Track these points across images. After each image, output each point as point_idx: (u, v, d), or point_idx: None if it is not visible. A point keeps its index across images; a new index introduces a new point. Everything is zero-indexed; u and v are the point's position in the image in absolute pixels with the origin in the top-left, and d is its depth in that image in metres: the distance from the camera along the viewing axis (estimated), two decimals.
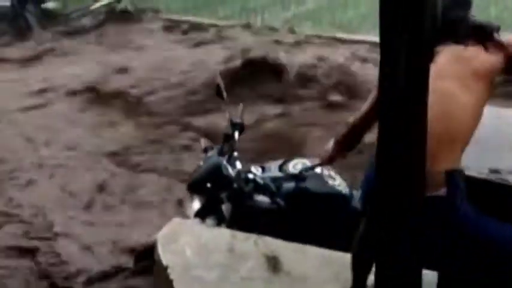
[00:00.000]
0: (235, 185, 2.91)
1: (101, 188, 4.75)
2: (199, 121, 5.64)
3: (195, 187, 3.02)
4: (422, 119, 1.74)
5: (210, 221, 2.93)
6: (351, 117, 2.54)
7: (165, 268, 2.66)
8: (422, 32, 1.64)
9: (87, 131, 5.76)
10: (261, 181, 2.92)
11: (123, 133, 5.69)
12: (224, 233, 2.84)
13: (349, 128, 2.53)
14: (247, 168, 3.04)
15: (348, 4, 8.74)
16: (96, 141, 5.54)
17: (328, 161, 2.68)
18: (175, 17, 8.96)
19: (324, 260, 2.66)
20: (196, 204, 3.01)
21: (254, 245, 2.74)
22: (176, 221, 2.98)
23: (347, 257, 2.58)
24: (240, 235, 2.80)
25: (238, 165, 3.02)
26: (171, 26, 8.58)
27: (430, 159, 1.96)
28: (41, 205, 4.51)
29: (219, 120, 5.06)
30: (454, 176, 2.14)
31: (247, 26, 7.85)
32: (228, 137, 3.08)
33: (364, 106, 2.46)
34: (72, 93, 6.59)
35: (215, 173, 2.95)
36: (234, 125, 3.09)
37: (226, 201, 2.93)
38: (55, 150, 5.45)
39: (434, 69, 2.04)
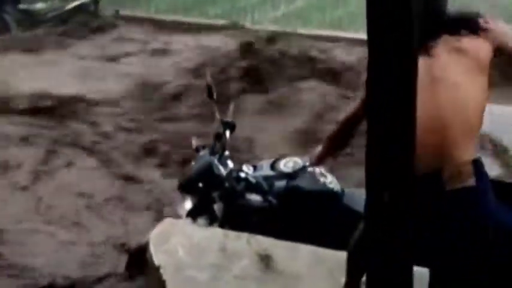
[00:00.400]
0: (226, 184, 2.90)
1: None
2: None
3: (186, 187, 3.03)
4: (411, 117, 1.73)
5: (201, 220, 2.93)
6: (340, 116, 2.54)
7: (157, 268, 2.65)
8: (411, 28, 1.63)
9: None
10: (253, 180, 2.92)
11: None
12: (216, 233, 2.83)
13: (338, 127, 2.53)
14: (239, 167, 3.03)
15: (338, 3, 8.75)
16: None
17: (318, 161, 2.68)
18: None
19: (316, 258, 2.65)
20: (188, 204, 3.01)
21: (246, 244, 2.73)
22: (168, 221, 2.97)
23: (340, 254, 2.58)
24: (232, 234, 2.79)
25: (230, 164, 3.02)
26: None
27: (453, 150, 1.95)
28: None
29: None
30: (481, 165, 2.12)
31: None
32: (219, 136, 3.08)
33: (353, 105, 2.47)
34: None
35: (207, 172, 2.96)
36: (225, 124, 3.08)
37: (218, 200, 2.93)
38: None
39: (436, 62, 2.04)
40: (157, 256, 2.72)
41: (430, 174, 2.14)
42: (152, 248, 2.76)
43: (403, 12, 1.62)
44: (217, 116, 3.11)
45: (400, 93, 1.69)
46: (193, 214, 2.98)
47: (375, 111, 1.73)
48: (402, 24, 1.62)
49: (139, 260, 3.08)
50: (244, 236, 2.77)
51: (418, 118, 1.71)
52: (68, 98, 6.24)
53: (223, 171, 2.96)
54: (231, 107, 3.17)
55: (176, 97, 6.24)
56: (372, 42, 1.67)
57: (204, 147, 3.16)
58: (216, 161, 3.00)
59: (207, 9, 8.94)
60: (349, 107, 2.50)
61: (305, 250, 2.70)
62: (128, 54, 7.58)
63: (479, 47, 2.23)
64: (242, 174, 2.95)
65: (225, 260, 2.69)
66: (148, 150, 5.43)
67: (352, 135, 2.54)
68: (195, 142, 3.22)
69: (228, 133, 3.09)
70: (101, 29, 8.52)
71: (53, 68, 7.19)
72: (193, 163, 3.12)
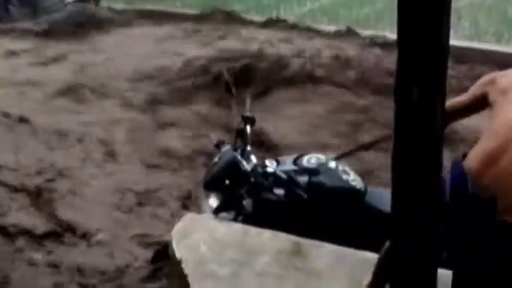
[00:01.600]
0: (252, 180, 2.90)
1: None
2: None
3: (212, 184, 3.01)
4: (437, 123, 1.71)
5: (225, 215, 2.93)
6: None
7: (179, 262, 2.67)
8: (441, 32, 1.61)
9: None
10: (282, 174, 2.91)
11: None
12: (238, 228, 2.83)
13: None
14: (262, 162, 3.03)
15: (363, 0, 8.70)
16: None
17: None
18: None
19: (338, 257, 2.64)
20: (213, 202, 3.00)
21: (268, 241, 2.73)
22: (190, 216, 2.98)
23: (361, 254, 2.57)
24: (254, 230, 2.79)
25: (253, 159, 3.01)
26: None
27: None
28: None
29: None
30: None
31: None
32: (240, 132, 3.07)
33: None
34: None
35: (232, 168, 2.95)
36: (246, 119, 3.08)
37: (246, 196, 2.93)
38: None
39: None
40: (180, 250, 2.73)
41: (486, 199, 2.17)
42: (175, 243, 2.78)
43: (434, 12, 1.60)
44: (236, 111, 3.11)
45: (429, 102, 1.68)
46: (220, 211, 2.98)
47: (403, 113, 1.72)
48: (433, 24, 1.61)
49: (164, 255, 3.10)
50: (266, 232, 2.78)
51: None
52: None
53: (247, 166, 2.96)
54: (248, 101, 3.17)
55: None
56: (402, 43, 1.66)
57: (224, 142, 3.15)
58: (239, 157, 2.99)
59: (232, 4, 8.95)
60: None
61: (327, 248, 2.69)
62: None
63: None
64: (269, 169, 2.95)
65: (246, 256, 2.69)
66: None
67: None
68: (214, 138, 3.21)
69: (248, 128, 3.09)
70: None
71: None
72: (216, 159, 3.11)
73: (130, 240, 4.10)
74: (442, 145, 1.72)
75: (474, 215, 2.20)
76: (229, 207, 2.97)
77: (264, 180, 2.92)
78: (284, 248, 2.69)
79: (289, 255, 2.66)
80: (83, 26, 8.59)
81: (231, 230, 2.84)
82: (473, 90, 2.49)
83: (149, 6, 9.23)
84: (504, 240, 2.16)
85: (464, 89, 2.58)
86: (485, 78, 2.49)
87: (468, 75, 5.84)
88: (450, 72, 5.98)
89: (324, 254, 2.68)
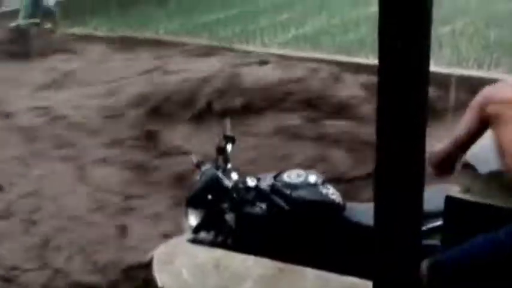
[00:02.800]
0: (235, 195, 2.95)
1: None
2: None
3: (195, 201, 3.05)
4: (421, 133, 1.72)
5: (205, 235, 2.95)
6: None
7: None
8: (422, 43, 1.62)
9: None
10: (264, 187, 2.98)
11: None
12: (221, 254, 2.81)
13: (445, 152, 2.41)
14: (243, 179, 3.08)
15: (348, 28, 8.78)
16: None
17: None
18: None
19: (321, 282, 2.63)
20: (192, 219, 3.02)
21: (251, 266, 2.71)
22: (172, 241, 2.96)
23: (344, 279, 2.56)
24: (237, 256, 2.77)
25: (235, 176, 3.09)
26: None
27: None
28: None
29: None
30: None
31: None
32: (221, 150, 3.14)
33: (462, 131, 2.38)
34: None
35: (215, 184, 3.01)
36: (227, 138, 3.16)
37: (228, 211, 2.96)
38: None
39: None
40: (161, 277, 2.70)
41: None
42: (156, 269, 2.75)
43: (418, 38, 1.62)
44: (219, 130, 3.18)
45: (411, 119, 1.69)
46: (201, 228, 2.99)
47: (385, 129, 1.73)
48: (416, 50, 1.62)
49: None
50: (249, 258, 2.76)
51: None
52: None
53: (229, 182, 3.01)
54: (227, 122, 3.26)
55: None
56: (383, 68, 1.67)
57: (203, 162, 3.21)
58: (221, 174, 3.05)
59: (218, 30, 9.00)
60: (457, 134, 2.36)
61: (310, 274, 2.68)
62: None
63: None
64: (251, 184, 3.01)
65: (229, 282, 2.67)
66: None
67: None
68: (194, 158, 3.25)
69: (229, 147, 3.16)
70: None
71: None
72: (197, 178, 3.16)
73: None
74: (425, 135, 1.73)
75: None
76: (212, 223, 2.98)
77: (246, 195, 2.97)
78: (267, 273, 2.67)
79: (272, 281, 2.64)
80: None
81: (213, 255, 2.81)
82: (470, 116, 2.34)
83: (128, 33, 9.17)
84: None
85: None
86: (478, 100, 2.37)
87: (452, 101, 5.91)
88: (433, 97, 6.01)
89: (307, 279, 2.66)
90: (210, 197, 2.99)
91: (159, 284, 2.66)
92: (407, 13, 1.58)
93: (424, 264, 2.15)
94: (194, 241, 2.97)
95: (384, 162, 1.74)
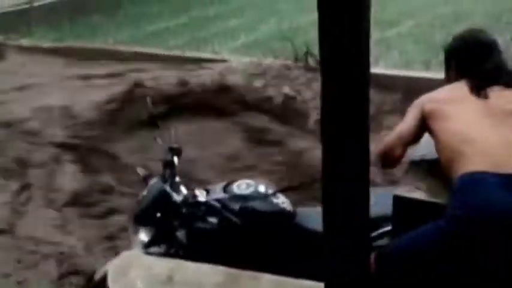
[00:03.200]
0: (184, 210, 2.89)
1: None
2: None
3: (143, 218, 2.97)
4: (365, 132, 1.75)
5: (156, 249, 2.90)
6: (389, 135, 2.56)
7: None
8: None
9: None
10: (214, 203, 2.92)
11: None
12: (175, 264, 2.79)
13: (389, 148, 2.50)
14: (192, 192, 3.03)
15: (298, 33, 8.86)
16: None
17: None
18: None
19: (277, 287, 2.64)
20: (142, 236, 2.96)
21: (206, 275, 2.70)
22: (126, 253, 2.93)
23: (300, 282, 2.57)
24: (191, 265, 2.76)
25: (183, 189, 3.02)
26: None
27: None
28: None
29: None
30: None
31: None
32: (168, 163, 3.06)
33: (404, 126, 2.52)
34: None
35: (163, 200, 2.93)
36: (172, 150, 3.08)
37: (179, 227, 2.91)
38: None
39: (494, 104, 2.34)
40: None
41: None
42: (110, 282, 2.71)
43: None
44: (161, 142, 3.10)
45: (354, 118, 1.72)
46: (151, 246, 2.94)
47: (329, 131, 1.76)
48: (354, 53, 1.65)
49: None
50: (205, 266, 2.75)
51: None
52: None
53: (178, 197, 2.95)
54: (172, 132, 3.17)
55: None
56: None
57: (151, 176, 3.12)
58: (169, 188, 2.96)
59: (168, 39, 8.97)
60: (400, 128, 2.53)
61: (267, 279, 2.68)
62: None
63: None
64: (201, 199, 2.94)
65: None
66: None
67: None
68: (141, 172, 3.17)
69: (176, 159, 3.08)
70: None
71: None
72: (144, 193, 3.07)
73: None
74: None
75: None
76: (162, 240, 2.94)
77: (196, 210, 2.92)
78: (222, 281, 2.67)
79: None
80: None
81: (168, 266, 2.79)
82: (412, 113, 2.55)
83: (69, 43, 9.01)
84: None
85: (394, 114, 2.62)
86: (419, 99, 2.60)
87: (398, 102, 6.03)
88: (380, 99, 6.13)
89: (263, 285, 2.67)
90: (158, 214, 2.91)
91: None
92: (346, 18, 1.61)
93: (372, 256, 2.20)
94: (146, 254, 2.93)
95: (330, 161, 1.77)
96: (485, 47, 2.57)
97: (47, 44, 8.93)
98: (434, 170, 2.46)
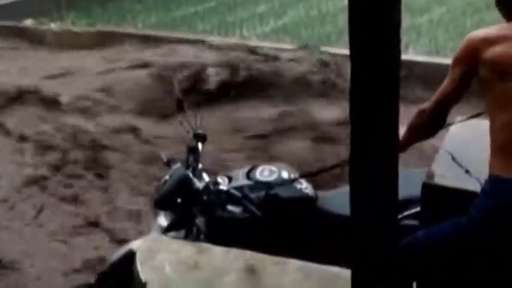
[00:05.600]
0: (205, 198, 2.89)
1: None
2: None
3: (163, 203, 2.97)
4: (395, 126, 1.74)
5: (175, 234, 2.91)
6: (423, 104, 2.47)
7: (144, 285, 2.63)
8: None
9: None
10: (235, 192, 2.92)
11: None
12: (203, 248, 2.81)
13: (428, 111, 2.40)
14: (214, 179, 3.02)
15: (326, 19, 8.80)
16: None
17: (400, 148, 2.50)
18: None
19: (304, 273, 2.64)
20: (162, 221, 2.97)
21: (234, 260, 2.72)
22: (153, 236, 2.96)
23: (327, 269, 2.58)
24: (219, 250, 2.78)
25: (205, 177, 3.00)
26: None
27: None
28: None
29: None
30: None
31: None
32: (192, 149, 3.04)
33: (443, 86, 2.39)
34: None
35: (185, 186, 2.91)
36: (197, 136, 3.06)
37: (198, 214, 2.91)
38: None
39: None
40: (144, 272, 2.70)
41: None
42: (139, 264, 2.74)
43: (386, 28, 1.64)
44: (188, 128, 3.08)
45: (383, 110, 1.71)
46: (170, 231, 2.95)
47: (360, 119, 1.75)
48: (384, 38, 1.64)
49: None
50: (232, 251, 2.77)
51: None
52: None
53: (200, 184, 2.93)
54: (199, 118, 3.12)
55: None
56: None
57: (175, 160, 3.10)
58: (191, 175, 2.96)
59: (196, 24, 8.98)
60: (439, 90, 2.38)
61: (293, 265, 2.69)
62: None
63: None
64: (222, 187, 2.94)
65: (212, 276, 2.68)
66: None
67: (444, 121, 2.39)
68: (164, 156, 3.16)
69: (200, 146, 3.06)
70: None
71: None
72: (166, 177, 3.06)
73: None
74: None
75: None
76: (181, 226, 2.95)
77: (217, 198, 2.90)
78: (250, 266, 2.68)
79: (255, 273, 2.65)
80: None
81: (196, 249, 2.82)
82: (454, 69, 2.39)
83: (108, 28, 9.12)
84: None
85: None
86: (471, 40, 2.40)
87: (428, 89, 5.97)
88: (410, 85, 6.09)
89: (290, 270, 2.68)
90: (179, 200, 2.89)
91: (143, 279, 2.66)
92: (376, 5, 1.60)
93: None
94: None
95: (358, 145, 1.77)
96: None
97: (77, 29, 9.03)
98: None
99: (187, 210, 2.92)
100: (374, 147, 1.74)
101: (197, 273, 2.69)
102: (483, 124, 2.48)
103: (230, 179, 3.04)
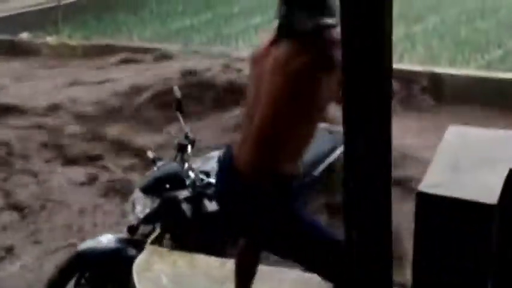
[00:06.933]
0: (192, 189, 2.98)
1: None
2: None
3: (151, 188, 3.03)
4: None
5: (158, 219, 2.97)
6: None
7: None
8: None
9: None
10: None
11: None
12: (199, 259, 2.82)
13: None
14: (200, 175, 3.10)
15: None
16: None
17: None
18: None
19: (300, 283, 2.65)
20: (140, 208, 3.00)
21: (230, 270, 2.72)
22: (151, 248, 2.96)
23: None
24: (215, 260, 2.79)
25: (191, 175, 3.07)
26: None
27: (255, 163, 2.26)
28: None
29: None
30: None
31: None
32: (182, 147, 3.17)
33: None
34: None
35: (174, 175, 3.04)
36: (188, 139, 3.19)
37: (184, 202, 2.97)
38: None
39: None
40: (141, 284, 2.70)
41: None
42: (135, 276, 2.75)
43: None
44: (185, 129, 3.21)
45: (376, 118, 1.72)
46: (153, 217, 2.98)
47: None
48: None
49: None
50: (228, 261, 2.77)
51: None
52: None
53: (187, 180, 3.02)
54: (188, 127, 3.26)
55: None
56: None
57: (159, 158, 3.22)
58: (179, 167, 3.08)
59: (192, 36, 9.02)
60: None
61: (290, 274, 2.70)
62: None
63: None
64: (211, 180, 3.01)
65: (208, 286, 2.68)
66: None
67: None
68: (151, 154, 3.26)
69: (189, 148, 3.17)
70: None
71: None
72: (154, 169, 3.16)
73: None
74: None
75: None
76: (167, 210, 2.97)
77: (204, 189, 2.99)
78: None
79: (254, 283, 2.65)
80: None
81: (192, 260, 2.82)
82: None
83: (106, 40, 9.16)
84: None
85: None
86: None
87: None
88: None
89: (286, 280, 2.68)
90: (168, 185, 2.99)
91: None
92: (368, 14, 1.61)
93: None
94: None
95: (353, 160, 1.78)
96: None
97: (73, 42, 9.07)
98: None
99: (172, 197, 2.98)
100: (367, 151, 1.76)
101: (194, 283, 2.69)
102: (478, 130, 2.49)
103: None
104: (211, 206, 2.96)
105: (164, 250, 2.94)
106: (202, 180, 3.03)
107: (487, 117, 5.42)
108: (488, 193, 2.23)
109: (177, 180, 3.00)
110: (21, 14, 10.13)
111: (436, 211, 2.34)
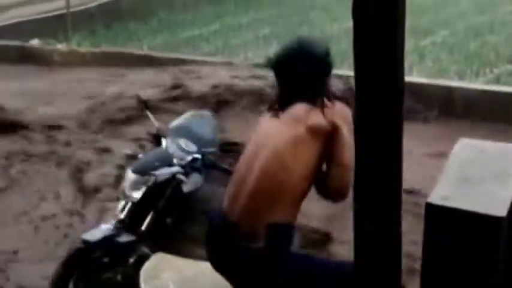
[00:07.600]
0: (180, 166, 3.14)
1: None
2: None
3: (143, 167, 3.15)
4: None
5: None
6: None
7: None
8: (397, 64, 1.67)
9: None
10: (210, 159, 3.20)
11: None
12: (207, 267, 2.82)
13: None
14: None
15: (330, 41, 8.86)
16: None
17: None
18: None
19: None
20: (134, 188, 3.10)
21: None
22: (158, 255, 2.96)
23: None
24: None
25: (176, 152, 3.25)
26: None
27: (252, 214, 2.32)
28: None
29: None
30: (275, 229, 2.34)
31: None
32: (155, 137, 3.42)
33: None
34: None
35: (161, 154, 3.23)
36: (160, 130, 3.42)
37: (181, 175, 3.10)
38: None
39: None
40: None
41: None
42: (143, 283, 2.75)
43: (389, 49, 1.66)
44: (155, 122, 3.45)
45: (387, 128, 1.73)
46: (151, 191, 3.06)
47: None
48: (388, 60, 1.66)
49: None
50: None
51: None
52: None
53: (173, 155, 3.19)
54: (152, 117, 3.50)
55: None
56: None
57: (135, 156, 3.40)
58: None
59: (201, 46, 9.06)
60: None
61: None
62: None
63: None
64: (196, 155, 3.18)
65: None
66: None
67: None
68: (129, 150, 3.59)
69: (163, 139, 3.35)
70: None
71: None
72: (140, 155, 3.36)
73: None
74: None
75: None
76: (161, 186, 3.07)
77: (192, 163, 3.15)
78: None
79: None
80: None
81: (201, 269, 2.82)
82: None
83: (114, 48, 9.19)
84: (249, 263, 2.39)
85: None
86: None
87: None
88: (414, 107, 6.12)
89: None
90: (157, 163, 3.11)
91: None
92: (381, 26, 1.62)
93: None
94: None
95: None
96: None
97: (83, 49, 9.12)
98: None
99: (165, 173, 3.09)
100: (378, 157, 1.77)
101: None
102: (487, 144, 2.49)
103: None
104: (200, 179, 3.16)
105: (171, 257, 2.94)
106: (186, 155, 3.19)
107: (495, 130, 5.42)
108: (497, 206, 2.24)
109: (165, 158, 3.16)
110: (31, 21, 10.21)
111: (445, 223, 2.34)
